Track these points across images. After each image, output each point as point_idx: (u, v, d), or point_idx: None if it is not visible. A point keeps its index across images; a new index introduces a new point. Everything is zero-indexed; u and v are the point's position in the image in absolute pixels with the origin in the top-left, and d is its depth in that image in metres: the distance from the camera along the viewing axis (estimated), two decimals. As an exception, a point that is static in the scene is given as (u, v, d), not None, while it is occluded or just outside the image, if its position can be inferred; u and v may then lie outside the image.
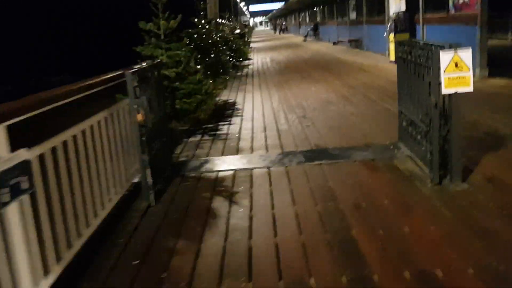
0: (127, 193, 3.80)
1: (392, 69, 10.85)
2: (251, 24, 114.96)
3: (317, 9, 29.01)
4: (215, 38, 8.77)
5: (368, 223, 2.99)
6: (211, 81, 5.46)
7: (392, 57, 11.67)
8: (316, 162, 4.40)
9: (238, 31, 20.87)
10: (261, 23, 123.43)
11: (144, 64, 3.78)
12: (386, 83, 8.69)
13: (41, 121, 2.62)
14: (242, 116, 6.86)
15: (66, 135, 2.71)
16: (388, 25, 11.57)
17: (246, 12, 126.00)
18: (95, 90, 3.39)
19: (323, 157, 4.59)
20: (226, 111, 7.36)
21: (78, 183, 2.78)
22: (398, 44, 4.54)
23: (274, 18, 58.05)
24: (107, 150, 3.40)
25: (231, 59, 12.72)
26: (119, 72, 3.78)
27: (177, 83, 4.45)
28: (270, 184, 3.94)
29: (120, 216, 3.41)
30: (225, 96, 8.87)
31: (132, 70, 3.47)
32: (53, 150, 2.54)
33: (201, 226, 3.15)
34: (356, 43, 18.01)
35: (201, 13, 8.10)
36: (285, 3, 35.87)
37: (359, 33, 17.59)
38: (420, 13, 10.64)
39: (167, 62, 4.45)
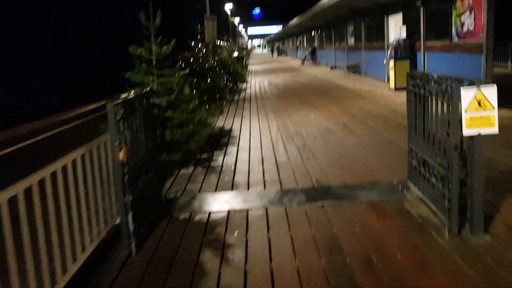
0: (106, 237, 3.38)
1: (393, 97, 10.71)
2: (249, 46, 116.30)
3: (315, 33, 29.09)
4: (212, 62, 8.48)
5: (381, 284, 2.58)
6: (205, 109, 5.09)
7: (392, 84, 11.44)
8: (319, 203, 4.01)
9: (236, 54, 20.74)
10: (259, 46, 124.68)
11: (131, 93, 3.42)
12: (387, 111, 8.38)
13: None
14: (238, 145, 6.49)
15: (31, 180, 2.31)
16: (388, 52, 11.36)
17: (245, 35, 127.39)
18: (72, 124, 3.02)
19: (326, 196, 4.20)
20: (222, 139, 6.99)
21: (42, 233, 2.37)
22: (409, 77, 4.21)
23: (272, 41, 58.40)
24: (83, 192, 3.00)
25: (228, 83, 12.44)
26: (102, 103, 3.42)
27: (168, 112, 4.09)
28: (268, 230, 3.53)
29: (96, 266, 2.99)
30: (221, 121, 8.52)
31: (115, 102, 3.09)
32: (13, 198, 2.14)
33: (187, 282, 2.73)
34: (354, 68, 17.85)
35: (198, 36, 7.82)
36: (283, 26, 36.04)
37: (357, 58, 17.46)
38: (421, 41, 10.44)
39: (159, 90, 4.09)
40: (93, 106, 3.11)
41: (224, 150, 6.13)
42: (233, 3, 36.75)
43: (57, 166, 2.61)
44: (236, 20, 52.70)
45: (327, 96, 11.54)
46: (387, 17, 13.18)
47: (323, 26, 23.98)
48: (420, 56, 10.73)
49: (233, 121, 8.69)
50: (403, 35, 11.29)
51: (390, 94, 10.75)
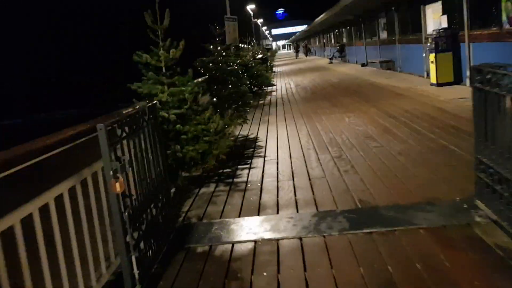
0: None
1: (436, 93, 9.68)
2: (273, 47, 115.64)
3: (343, 29, 28.06)
4: (234, 65, 7.82)
5: None
6: (223, 118, 4.39)
7: (433, 79, 10.44)
8: (365, 230, 3.25)
9: (260, 56, 20.07)
10: (283, 47, 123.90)
11: (130, 109, 2.79)
12: (433, 110, 7.46)
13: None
14: (264, 156, 5.76)
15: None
16: (428, 44, 10.39)
17: (269, 36, 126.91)
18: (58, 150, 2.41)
19: (373, 221, 3.42)
20: (246, 150, 6.28)
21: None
22: (475, 71, 3.40)
23: (297, 41, 57.32)
24: (73, 233, 2.37)
25: (252, 86, 11.76)
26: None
27: (178, 126, 3.43)
28: (305, 268, 2.81)
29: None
30: (245, 130, 7.82)
31: (107, 122, 2.45)
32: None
33: None
34: (387, 64, 16.81)
35: (217, 39, 7.16)
36: (307, 25, 35.08)
37: (390, 53, 16.42)
38: (465, 30, 9.43)
39: (169, 101, 3.45)
40: (77, 129, 2.48)
41: (249, 163, 5.42)
42: (255, 5, 36.13)
43: (38, 203, 1.99)
44: (259, 21, 52.07)
45: (361, 96, 10.66)
46: (424, 7, 12.15)
47: (352, 21, 22.97)
48: (464, 47, 9.71)
49: (258, 128, 7.98)
50: (444, 25, 10.28)
51: (432, 90, 9.78)
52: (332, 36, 33.82)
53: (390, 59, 16.46)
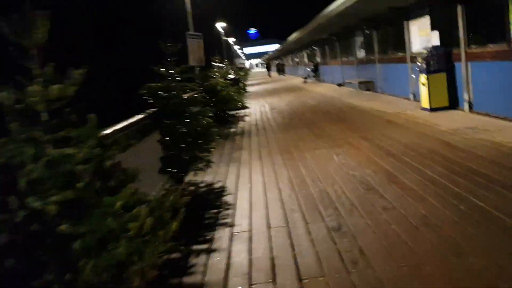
0: None
1: (432, 121, 8.04)
2: (247, 66, 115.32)
3: (317, 48, 27.09)
4: (196, 92, 6.32)
5: None
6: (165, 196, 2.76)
7: (425, 103, 9.20)
8: None
9: (231, 76, 18.66)
10: (257, 65, 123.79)
11: None
12: (439, 146, 6.11)
13: None
14: (232, 225, 4.18)
15: None
16: (419, 64, 9.17)
17: (242, 55, 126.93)
18: None
19: None
20: (208, 212, 4.70)
21: None
22: None
23: (269, 60, 56.45)
24: None
25: (222, 113, 10.26)
26: None
27: (63, 227, 1.85)
28: None
29: None
30: (210, 174, 6.26)
31: None
32: None
33: None
34: (366, 85, 15.67)
35: (171, 59, 5.60)
36: (280, 44, 34.11)
37: (369, 73, 15.29)
38: (461, 47, 8.24)
39: (46, 178, 1.89)
40: None
41: (208, 241, 3.83)
42: (227, 23, 34.97)
43: None
44: (231, 40, 50.93)
45: (345, 123, 9.30)
46: (407, 23, 11.03)
47: (327, 39, 21.95)
48: (459, 67, 8.52)
49: (226, 171, 6.43)
50: (435, 42, 9.10)
51: (426, 117, 8.50)
52: (305, 55, 32.89)
53: (370, 80, 15.32)
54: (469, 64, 8.17)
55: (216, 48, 25.66)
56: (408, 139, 6.78)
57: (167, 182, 5.79)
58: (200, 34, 10.96)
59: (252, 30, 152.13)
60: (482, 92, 7.92)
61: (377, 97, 13.58)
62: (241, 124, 11.85)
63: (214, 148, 6.10)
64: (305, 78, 28.36)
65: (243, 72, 36.18)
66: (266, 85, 31.43)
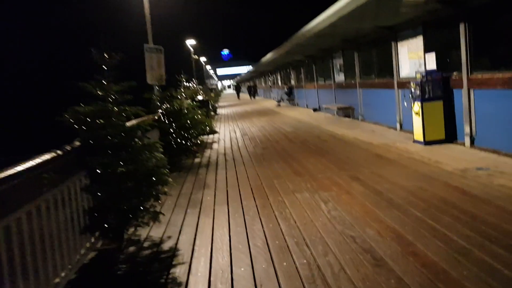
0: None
1: (432, 157, 6.71)
2: (219, 87, 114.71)
3: (291, 70, 26.16)
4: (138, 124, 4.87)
5: None
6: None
7: (419, 135, 8.04)
8: None
9: (200, 97, 17.27)
10: (229, 87, 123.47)
11: None
12: (452, 193, 4.84)
13: None
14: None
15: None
16: (412, 90, 8.03)
17: (214, 75, 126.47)
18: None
19: None
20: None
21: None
22: None
23: (241, 82, 55.40)
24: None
25: (184, 141, 8.78)
26: None
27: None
28: None
29: None
30: (161, 224, 4.75)
31: None
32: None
33: None
34: (346, 111, 14.59)
35: (106, 72, 4.11)
36: (252, 66, 33.08)
37: (349, 98, 14.23)
38: (463, 72, 7.16)
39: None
40: None
41: None
42: (199, 42, 33.74)
43: None
44: (203, 59, 49.69)
45: (328, 155, 7.99)
46: (396, 44, 10.01)
47: (302, 61, 20.98)
48: (459, 94, 7.43)
49: (182, 222, 4.95)
50: (429, 65, 8.02)
51: (421, 152, 7.31)
52: (279, 77, 31.99)
53: (349, 105, 14.24)
54: (472, 91, 7.07)
55: (185, 66, 24.29)
56: (409, 182, 5.50)
57: (97, 240, 4.27)
58: (160, 47, 9.53)
59: (225, 51, 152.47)
60: (487, 124, 6.81)
61: (359, 125, 12.44)
62: (207, 152, 10.39)
63: (165, 193, 4.63)
64: (279, 101, 27.31)
65: (214, 93, 34.93)
66: (237, 107, 30.18)
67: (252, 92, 43.37)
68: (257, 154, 9.28)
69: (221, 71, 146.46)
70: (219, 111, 28.12)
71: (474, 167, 5.82)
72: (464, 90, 7.20)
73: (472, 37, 6.91)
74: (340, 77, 15.40)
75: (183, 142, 8.71)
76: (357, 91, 13.31)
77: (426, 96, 7.82)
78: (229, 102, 39.71)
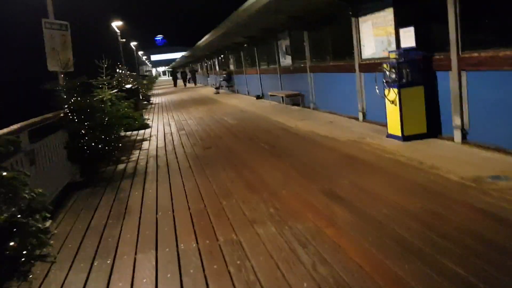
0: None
1: (417, 157, 4.94)
2: (154, 74, 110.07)
3: (230, 54, 24.26)
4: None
5: None
6: None
7: (394, 128, 6.61)
8: None
9: (129, 86, 14.96)
10: (164, 73, 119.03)
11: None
12: (487, 223, 3.34)
13: None
14: None
15: None
16: (387, 73, 6.53)
17: (148, 62, 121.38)
18: None
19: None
20: None
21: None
22: None
23: (177, 67, 52.31)
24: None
25: (101, 145, 6.71)
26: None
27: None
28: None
29: None
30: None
31: None
32: None
33: None
34: (294, 99, 13.06)
35: None
36: (189, 50, 30.68)
37: (298, 85, 12.69)
38: (451, 50, 5.75)
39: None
40: None
41: None
42: (127, 26, 30.67)
43: None
44: (134, 44, 46.10)
45: (286, 158, 6.32)
46: (357, 20, 8.50)
47: (242, 43, 19.17)
48: (445, 78, 6.05)
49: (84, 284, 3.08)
50: (409, 43, 6.56)
51: (403, 151, 5.86)
52: (217, 62, 29.94)
53: (298, 92, 12.72)
54: (464, 74, 5.69)
55: (112, 52, 21.56)
56: (412, 202, 3.96)
57: None
58: (65, 23, 7.25)
59: (159, 37, 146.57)
60: (485, 114, 5.47)
61: (312, 114, 10.93)
62: (135, 154, 8.35)
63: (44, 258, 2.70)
64: (217, 88, 25.34)
65: (147, 81, 32.20)
66: (173, 95, 27.83)
67: (189, 78, 40.76)
68: (197, 156, 7.42)
69: (155, 57, 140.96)
70: (153, 99, 25.69)
71: (487, 175, 4.41)
72: (453, 73, 5.81)
73: (464, 5, 5.49)
74: (286, 61, 13.79)
75: (100, 145, 6.62)
76: (307, 76, 11.77)
77: (404, 80, 6.37)
78: (164, 90, 37.04)
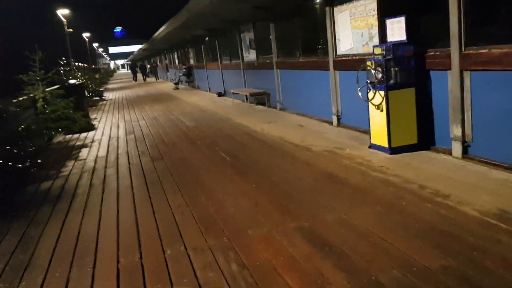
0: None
1: (418, 179, 3.95)
2: (112, 67, 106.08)
3: (189, 48, 22.76)
4: None
5: None
6: None
7: (379, 138, 5.54)
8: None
9: (73, 81, 13.28)
10: (123, 66, 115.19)
11: None
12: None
13: None
14: None
15: None
16: (372, 71, 5.43)
17: (105, 55, 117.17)
18: None
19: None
20: None
21: None
22: None
23: (135, 61, 49.72)
24: None
25: (21, 160, 5.25)
26: None
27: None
28: None
29: None
30: None
31: None
32: None
33: None
34: (259, 98, 11.88)
35: None
36: (147, 42, 28.81)
37: (264, 82, 11.51)
38: (452, 46, 4.72)
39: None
40: None
41: None
42: (89, 18, 28.43)
43: None
44: (86, 35, 43.34)
45: (255, 178, 5.10)
46: (331, 9, 7.39)
47: (203, 36, 17.78)
48: (441, 79, 5.03)
49: None
50: (398, 36, 5.48)
51: (396, 168, 4.78)
52: (176, 56, 28.30)
53: (264, 91, 11.54)
54: (467, 75, 4.67)
55: (57, 44, 19.55)
56: (430, 258, 2.84)
57: None
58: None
59: (118, 29, 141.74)
60: (495, 125, 4.48)
61: (279, 116, 9.78)
62: (69, 166, 6.89)
63: None
64: (176, 83, 23.79)
65: (100, 75, 30.08)
66: (129, 90, 26.00)
67: (149, 72, 38.59)
68: (143, 171, 6.08)
69: (114, 49, 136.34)
70: (107, 95, 23.81)
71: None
72: (453, 73, 4.79)
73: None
74: (251, 56, 12.57)
75: (11, 163, 5.16)
76: (273, 73, 10.61)
77: (392, 81, 5.30)
78: (122, 84, 34.93)
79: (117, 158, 7.20)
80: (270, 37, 10.45)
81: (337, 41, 7.40)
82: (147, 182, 5.47)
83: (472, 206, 3.51)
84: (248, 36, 12.48)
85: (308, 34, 8.68)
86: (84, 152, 8.04)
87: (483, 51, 4.40)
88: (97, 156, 7.53)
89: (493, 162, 4.47)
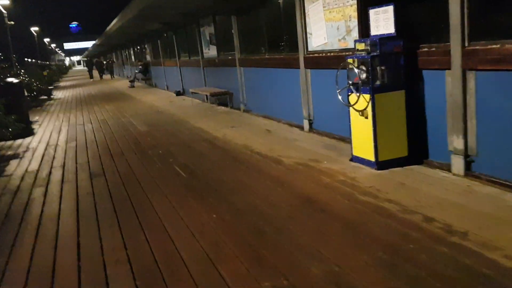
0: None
1: (419, 208, 3.26)
2: (67, 63, 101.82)
3: (146, 44, 21.34)
4: None
5: None
6: None
7: (364, 150, 4.67)
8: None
9: (11, 79, 11.70)
10: (79, 63, 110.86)
11: None
12: None
13: None
14: None
15: None
16: (356, 70, 4.54)
17: (59, 51, 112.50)
18: None
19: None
20: None
21: None
22: None
23: (91, 57, 47.17)
24: None
25: None
26: None
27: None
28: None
29: None
30: None
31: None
32: None
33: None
34: (221, 98, 10.85)
35: None
36: (100, 38, 26.92)
37: (226, 81, 10.50)
38: (453, 41, 3.90)
39: None
40: None
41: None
42: (41, 12, 26.25)
43: None
44: (34, 29, 40.58)
45: (210, 200, 4.08)
46: (302, 1, 6.46)
47: (159, 31, 16.50)
48: (438, 80, 4.21)
49: None
50: (384, 29, 4.62)
51: (388, 189, 3.91)
52: (132, 52, 26.70)
53: (226, 90, 10.52)
54: (471, 75, 3.86)
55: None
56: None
57: None
58: None
59: (74, 24, 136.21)
60: (504, 136, 3.69)
61: (243, 119, 8.80)
62: (-15, 188, 5.60)
63: None
64: (132, 81, 22.28)
65: (49, 72, 28.03)
66: (82, 88, 24.22)
67: (102, 68, 36.36)
68: (76, 194, 4.93)
69: (69, 45, 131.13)
70: (57, 94, 22.02)
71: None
72: (453, 73, 3.97)
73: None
74: (211, 52, 11.50)
75: None
76: (236, 71, 9.61)
77: (379, 82, 4.43)
78: (75, 82, 32.79)
79: (50, 173, 5.98)
80: (232, 31, 9.43)
81: (308, 35, 6.48)
82: (78, 210, 4.35)
83: (502, 252, 2.66)
84: (208, 30, 11.40)
85: (275, 28, 7.74)
86: (12, 165, 6.74)
87: (494, 46, 3.59)
88: (26, 171, 6.27)
89: (504, 182, 3.68)
